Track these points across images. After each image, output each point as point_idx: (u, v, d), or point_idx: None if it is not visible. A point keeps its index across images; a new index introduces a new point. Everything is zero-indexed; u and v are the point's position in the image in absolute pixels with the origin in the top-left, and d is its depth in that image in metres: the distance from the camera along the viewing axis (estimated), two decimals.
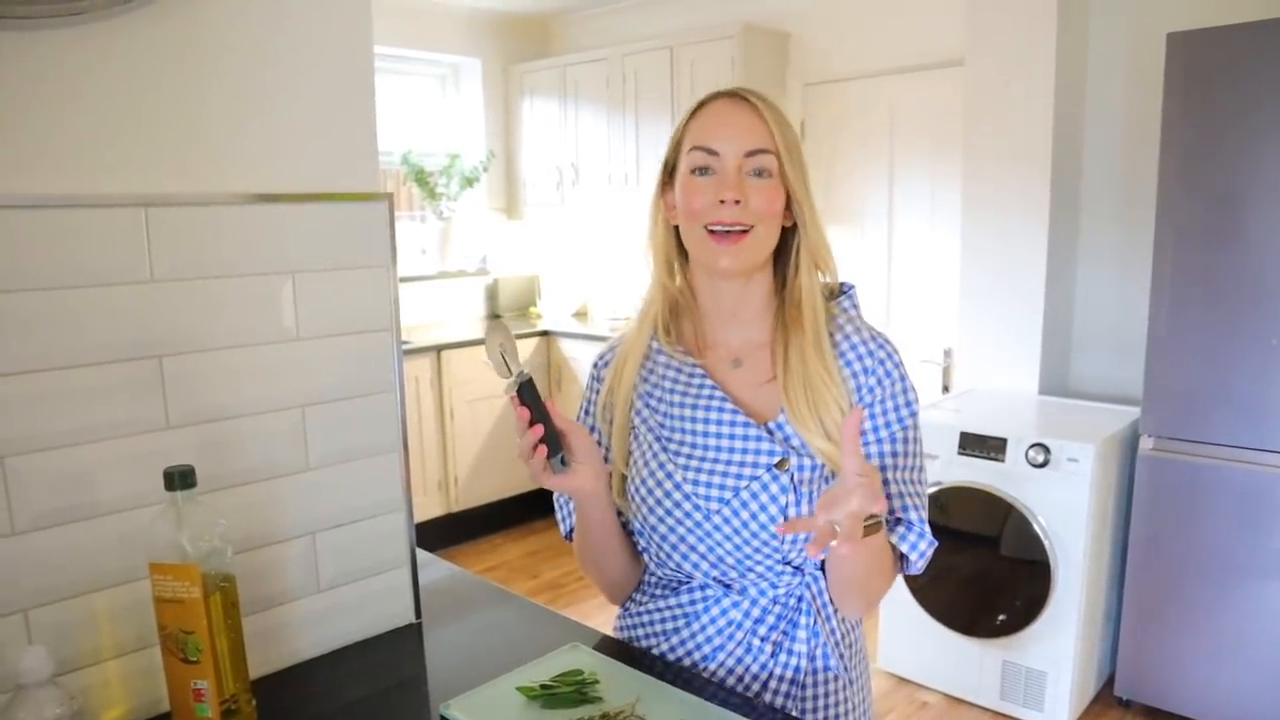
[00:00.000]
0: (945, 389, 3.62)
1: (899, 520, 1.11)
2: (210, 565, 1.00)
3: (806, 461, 1.11)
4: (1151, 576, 2.74)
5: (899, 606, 3.00)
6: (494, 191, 5.06)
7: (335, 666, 1.22)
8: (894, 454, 1.12)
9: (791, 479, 1.10)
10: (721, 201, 1.07)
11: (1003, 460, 2.73)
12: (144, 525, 1.00)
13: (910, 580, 2.93)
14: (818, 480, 1.10)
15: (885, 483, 1.10)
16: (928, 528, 1.12)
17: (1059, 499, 2.65)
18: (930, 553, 1.12)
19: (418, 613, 1.35)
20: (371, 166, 1.23)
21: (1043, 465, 2.65)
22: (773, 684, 1.16)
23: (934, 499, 2.85)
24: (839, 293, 1.20)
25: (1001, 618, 2.79)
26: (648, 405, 1.18)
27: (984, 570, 2.84)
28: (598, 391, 1.24)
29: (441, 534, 4.25)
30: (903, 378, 1.14)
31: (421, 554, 1.40)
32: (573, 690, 1.10)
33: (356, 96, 1.22)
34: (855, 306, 1.20)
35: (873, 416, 1.12)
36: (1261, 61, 2.37)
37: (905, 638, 3.05)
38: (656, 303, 1.20)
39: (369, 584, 1.29)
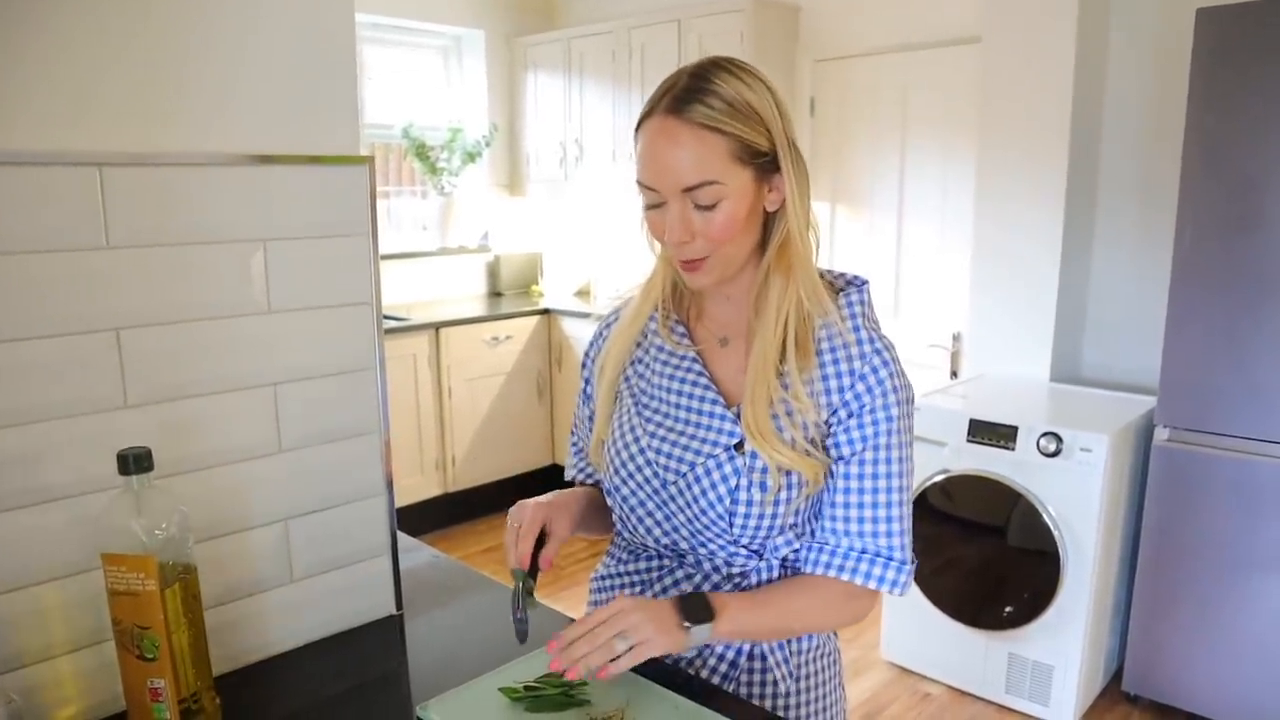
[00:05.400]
0: (954, 374, 3.54)
1: (863, 552, 1.09)
2: (169, 555, 0.93)
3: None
4: (1163, 570, 2.67)
5: (904, 596, 2.92)
6: (496, 167, 4.97)
7: (308, 661, 1.16)
8: (868, 476, 1.09)
9: (745, 463, 1.08)
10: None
11: (1013, 449, 2.65)
12: (97, 512, 0.93)
13: (916, 570, 2.86)
14: (772, 472, 1.07)
15: (849, 505, 1.09)
16: (899, 551, 1.10)
17: (1070, 490, 2.58)
18: (907, 578, 1.11)
19: (398, 604, 1.28)
20: (351, 128, 1.15)
21: (1054, 455, 2.57)
22: (712, 661, 1.16)
23: (941, 487, 2.78)
24: (847, 285, 1.13)
25: (1009, 609, 2.72)
26: (636, 372, 1.19)
27: (991, 561, 2.77)
28: (599, 350, 1.25)
29: (439, 514, 4.19)
30: (895, 389, 1.09)
31: (404, 539, 1.33)
32: (559, 692, 1.03)
33: (334, 50, 1.13)
34: (862, 303, 1.12)
35: (856, 427, 1.08)
36: None
37: (909, 628, 2.99)
38: (658, 283, 1.19)
39: (346, 574, 1.22)
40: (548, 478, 4.54)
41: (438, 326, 4.09)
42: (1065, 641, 2.67)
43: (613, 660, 0.96)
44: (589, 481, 1.29)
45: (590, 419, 1.26)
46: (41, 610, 0.95)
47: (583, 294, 4.97)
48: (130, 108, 0.98)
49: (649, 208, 1.05)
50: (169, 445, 1.01)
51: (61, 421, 0.95)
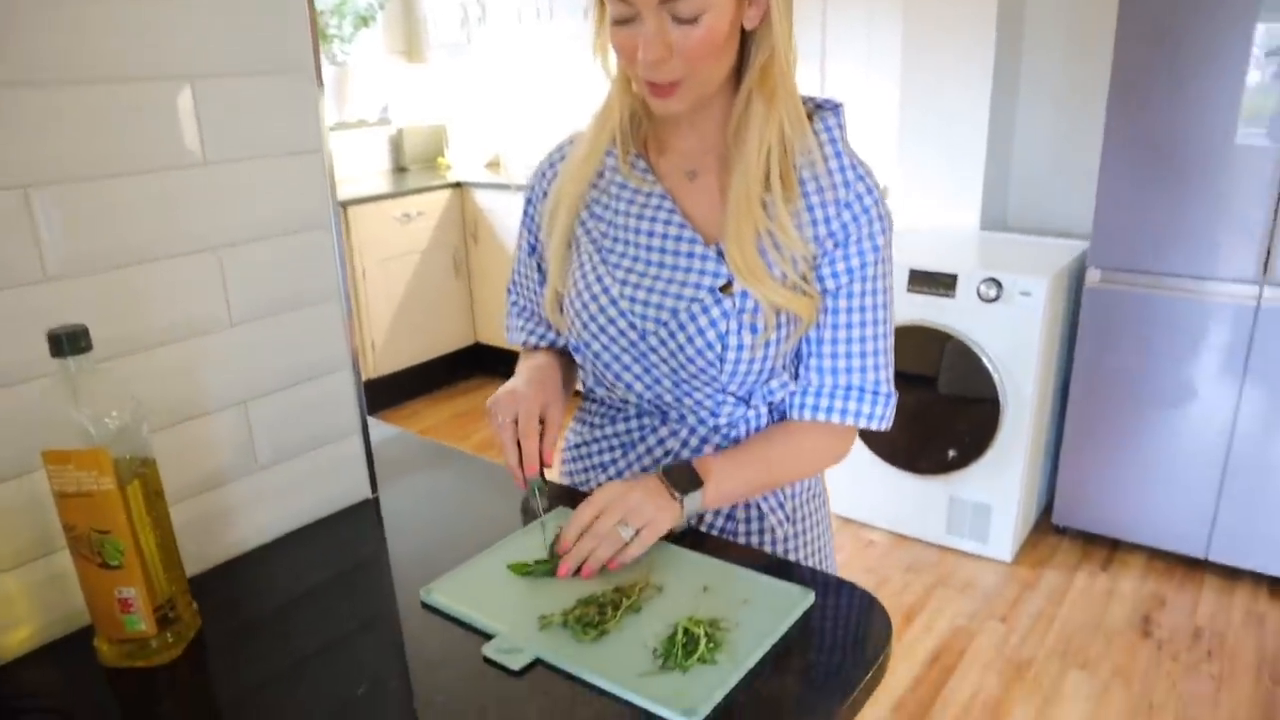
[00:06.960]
0: None
1: (849, 389, 1.05)
2: (123, 448, 0.80)
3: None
4: (1091, 407, 2.76)
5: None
6: (392, 33, 4.61)
7: (285, 554, 1.05)
8: (855, 310, 1.03)
9: (734, 304, 1.01)
10: None
11: (953, 296, 2.65)
12: (31, 404, 0.79)
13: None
14: (765, 312, 1.01)
15: (835, 341, 1.04)
16: (885, 385, 1.07)
17: (1009, 334, 2.61)
18: (891, 410, 1.08)
19: (373, 486, 1.18)
20: None
21: (994, 300, 2.59)
22: (709, 517, 1.13)
23: None
24: (819, 109, 1.04)
25: (952, 453, 2.78)
26: (593, 214, 1.08)
27: (930, 408, 2.81)
28: (544, 194, 1.14)
29: None
30: (880, 217, 1.03)
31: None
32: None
33: None
34: (840, 127, 1.04)
35: (842, 259, 1.02)
36: None
37: (851, 479, 3.03)
38: (614, 113, 1.07)
39: (315, 457, 1.11)
40: (471, 357, 4.41)
41: (345, 205, 3.84)
42: (1003, 482, 2.75)
43: (623, 549, 0.93)
44: (542, 344, 1.19)
45: (539, 272, 1.15)
46: None
47: (493, 165, 4.74)
48: None
49: (617, 23, 0.93)
50: (106, 323, 0.86)
51: None
